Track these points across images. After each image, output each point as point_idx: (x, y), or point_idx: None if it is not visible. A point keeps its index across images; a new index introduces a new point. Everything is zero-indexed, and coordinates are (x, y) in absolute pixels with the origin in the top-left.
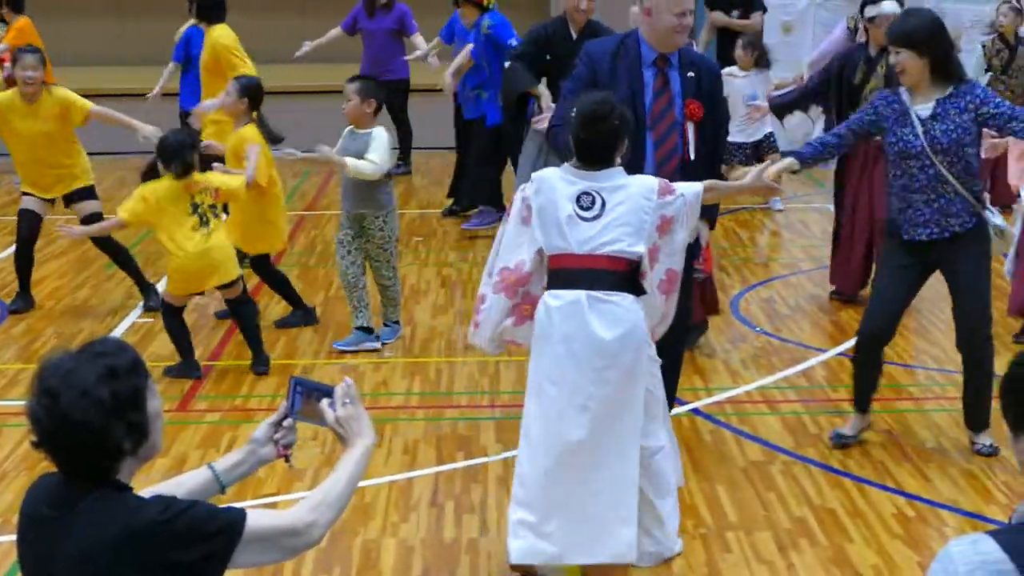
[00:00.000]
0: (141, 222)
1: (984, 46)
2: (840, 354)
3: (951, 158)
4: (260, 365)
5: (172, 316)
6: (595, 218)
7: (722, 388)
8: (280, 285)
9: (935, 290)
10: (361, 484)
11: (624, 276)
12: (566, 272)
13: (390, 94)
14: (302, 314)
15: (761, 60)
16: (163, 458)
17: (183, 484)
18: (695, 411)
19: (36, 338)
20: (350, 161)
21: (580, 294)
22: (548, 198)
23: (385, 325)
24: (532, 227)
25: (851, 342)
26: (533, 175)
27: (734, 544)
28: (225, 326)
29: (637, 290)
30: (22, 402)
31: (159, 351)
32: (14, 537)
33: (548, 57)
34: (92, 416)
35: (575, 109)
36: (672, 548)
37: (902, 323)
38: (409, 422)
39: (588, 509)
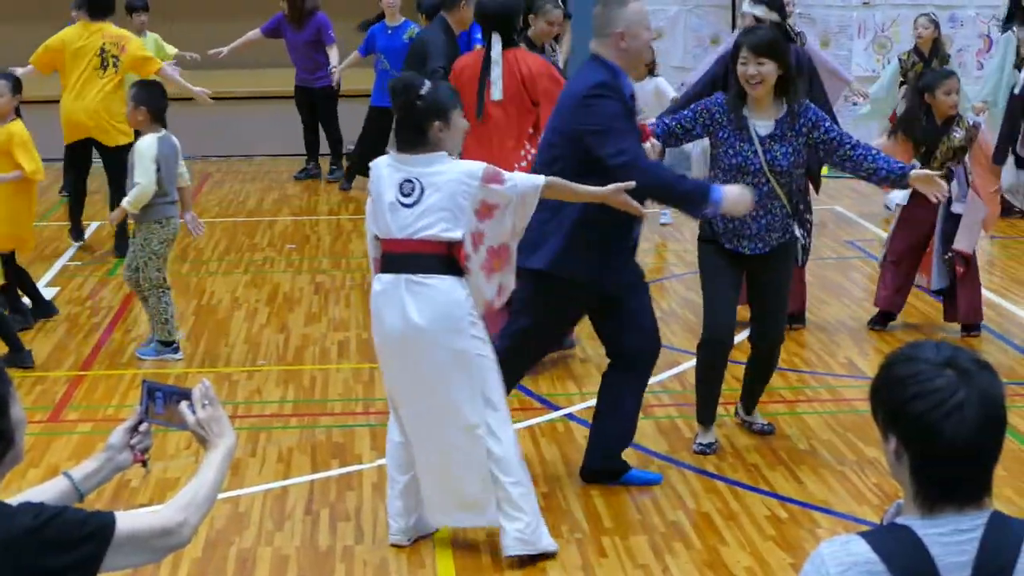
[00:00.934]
0: None
1: (900, 58)
2: None
3: (786, 179)
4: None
5: None
6: (414, 204)
7: (595, 393)
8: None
9: (810, 293)
10: (235, 493)
11: (442, 259)
12: (390, 256)
13: (320, 101)
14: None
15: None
16: (35, 469)
17: (41, 494)
18: (569, 416)
19: None
20: (125, 202)
21: (400, 278)
22: (377, 186)
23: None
24: (367, 213)
25: None
26: (372, 163)
27: (609, 548)
28: (96, 335)
29: (457, 271)
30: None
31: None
32: None
33: None
34: None
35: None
36: (543, 544)
37: None
38: (283, 430)
39: (441, 480)
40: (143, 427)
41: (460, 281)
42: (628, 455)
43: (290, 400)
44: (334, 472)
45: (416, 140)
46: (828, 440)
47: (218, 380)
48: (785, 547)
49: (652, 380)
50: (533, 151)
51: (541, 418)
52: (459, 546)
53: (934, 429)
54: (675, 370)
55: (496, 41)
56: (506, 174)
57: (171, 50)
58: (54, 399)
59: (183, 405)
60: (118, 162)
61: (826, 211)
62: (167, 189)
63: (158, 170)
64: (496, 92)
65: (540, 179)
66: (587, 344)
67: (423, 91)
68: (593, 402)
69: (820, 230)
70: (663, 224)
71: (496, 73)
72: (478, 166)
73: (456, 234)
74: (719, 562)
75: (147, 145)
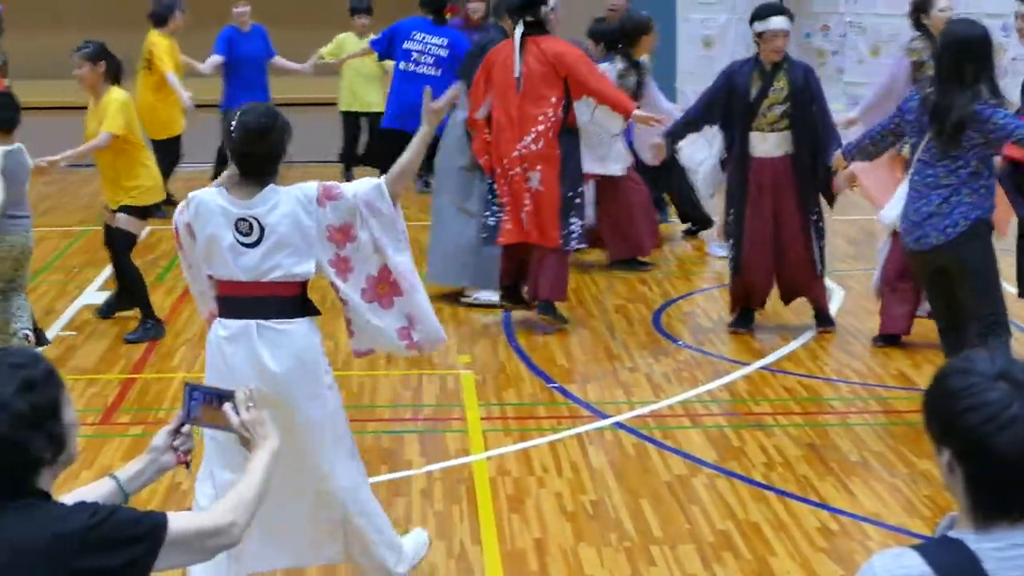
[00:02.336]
0: None
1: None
2: (762, 367)
3: None
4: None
5: None
6: (256, 243)
7: (644, 402)
8: None
9: (859, 304)
10: None
11: (294, 301)
12: (234, 300)
13: None
14: None
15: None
16: (88, 470)
17: (88, 495)
18: (618, 424)
19: None
20: None
21: (250, 323)
22: (208, 225)
23: None
24: (194, 250)
25: (774, 356)
26: (190, 196)
27: (659, 557)
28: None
29: (311, 310)
30: None
31: (81, 364)
32: None
33: None
34: (12, 430)
35: (235, 121)
36: (415, 549)
37: (824, 337)
38: None
39: (289, 526)
40: (186, 429)
41: (313, 324)
42: (678, 464)
43: None
44: (383, 478)
45: (267, 171)
46: (880, 452)
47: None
48: (836, 559)
49: (701, 389)
50: (551, 114)
51: (589, 426)
52: (507, 553)
53: (987, 443)
54: (724, 379)
55: (519, 28)
56: (342, 187)
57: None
58: (106, 401)
59: (226, 407)
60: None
61: (874, 221)
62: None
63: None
64: (516, 70)
65: (376, 180)
66: (635, 353)
67: (274, 133)
68: (642, 410)
69: (870, 239)
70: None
71: (517, 55)
72: (313, 188)
73: (306, 267)
74: (768, 572)
75: None
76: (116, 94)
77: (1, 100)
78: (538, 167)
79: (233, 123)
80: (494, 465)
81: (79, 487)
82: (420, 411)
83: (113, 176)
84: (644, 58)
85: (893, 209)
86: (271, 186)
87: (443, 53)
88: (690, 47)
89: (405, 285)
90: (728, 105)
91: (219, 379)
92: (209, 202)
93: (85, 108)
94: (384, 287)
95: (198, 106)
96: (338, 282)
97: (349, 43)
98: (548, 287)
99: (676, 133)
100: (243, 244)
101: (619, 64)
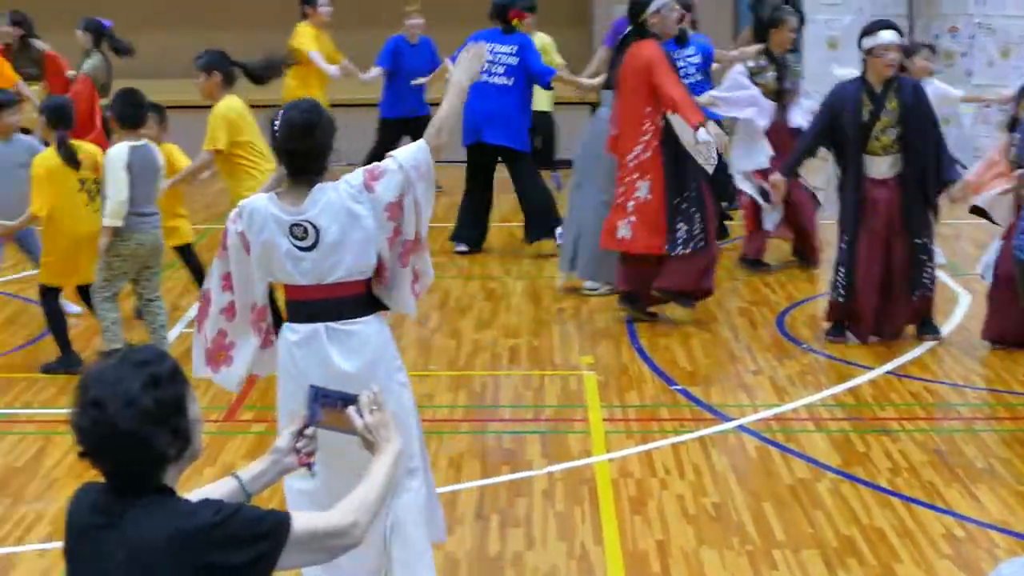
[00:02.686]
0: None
1: None
2: (888, 372)
3: None
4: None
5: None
6: (313, 246)
7: (768, 405)
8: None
9: (985, 309)
10: None
11: (361, 299)
12: (300, 304)
13: None
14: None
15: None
16: (211, 467)
17: (211, 493)
18: (741, 428)
19: (82, 349)
20: (107, 222)
21: (318, 327)
22: (263, 233)
23: None
24: (252, 260)
25: (899, 360)
26: (242, 204)
27: (781, 562)
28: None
29: (378, 306)
30: (69, 410)
31: None
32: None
33: None
34: (138, 425)
35: (278, 120)
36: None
37: (950, 342)
38: (454, 435)
39: None
40: (309, 431)
41: (382, 320)
42: (801, 468)
43: (461, 405)
44: (504, 478)
45: (303, 183)
46: (1007, 459)
47: None
48: (962, 566)
49: (825, 393)
50: (650, 124)
51: (712, 429)
52: (629, 554)
53: None
54: (849, 384)
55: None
56: (385, 162)
57: (558, 59)
58: (229, 399)
59: (350, 410)
60: None
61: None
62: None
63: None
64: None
65: (418, 142)
66: (759, 355)
67: (319, 129)
68: (765, 414)
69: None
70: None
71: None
72: (358, 177)
73: (368, 260)
74: None
75: (113, 156)
76: (219, 107)
77: (127, 97)
78: (648, 176)
79: (276, 121)
80: (616, 467)
81: (203, 485)
82: (542, 411)
83: (230, 184)
84: (787, 55)
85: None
86: (318, 185)
87: (513, 61)
88: (815, 48)
89: (421, 247)
90: (837, 131)
91: (291, 382)
92: (261, 209)
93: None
94: (414, 247)
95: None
96: (389, 257)
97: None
98: (666, 280)
99: (791, 169)
100: (300, 249)
101: (750, 62)
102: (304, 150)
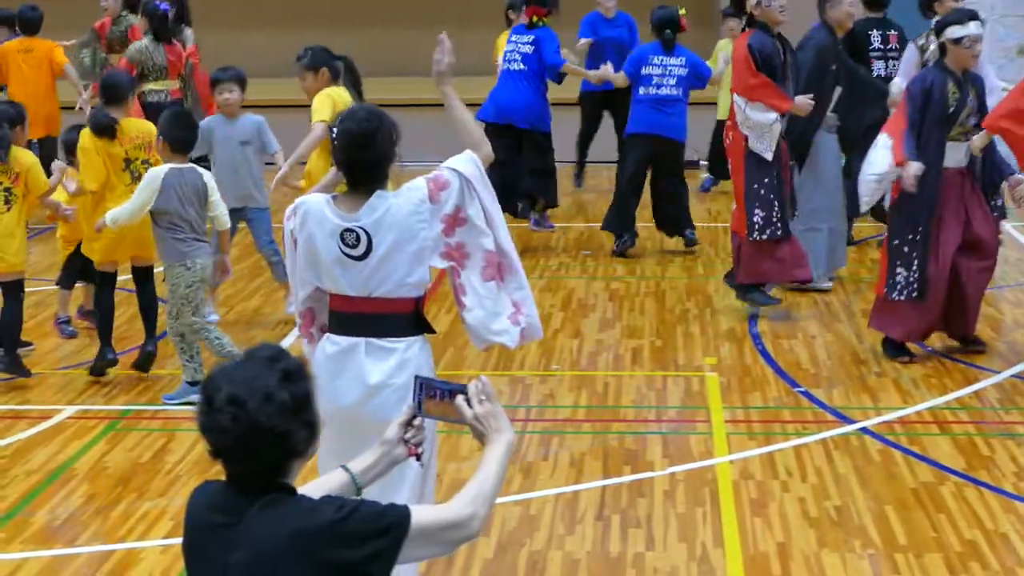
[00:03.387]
0: None
1: None
2: (1014, 376)
3: None
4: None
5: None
6: (364, 255)
7: (891, 408)
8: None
9: None
10: (527, 496)
11: (408, 318)
12: (344, 316)
13: None
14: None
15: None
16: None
17: (321, 488)
18: (864, 430)
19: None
20: (108, 216)
21: (359, 341)
22: (313, 234)
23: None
24: (300, 259)
25: None
26: (298, 202)
27: (903, 565)
28: None
29: (424, 328)
30: (194, 407)
31: None
32: None
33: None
34: (278, 420)
35: (336, 128)
36: None
37: None
38: (575, 435)
39: None
40: (417, 422)
41: (426, 344)
42: (924, 471)
43: (583, 405)
44: (625, 479)
45: (362, 191)
46: None
47: (512, 383)
48: None
49: (949, 396)
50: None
51: (835, 431)
52: (749, 557)
53: None
54: (974, 387)
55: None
56: (443, 171)
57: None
58: None
59: (459, 400)
60: None
61: None
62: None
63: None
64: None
65: (469, 152)
66: (882, 358)
67: (379, 136)
68: (888, 416)
69: None
70: None
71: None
72: (422, 187)
73: (420, 275)
74: None
75: (150, 177)
76: (323, 90)
77: (179, 120)
78: (730, 160)
79: (335, 130)
80: (737, 468)
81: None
82: (664, 412)
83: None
84: None
85: None
86: (378, 193)
87: (683, 72)
88: None
89: (509, 263)
90: (922, 117)
91: (320, 396)
92: (316, 211)
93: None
94: (501, 262)
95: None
96: (457, 272)
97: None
98: (742, 272)
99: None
100: (350, 257)
101: (920, 40)
102: (364, 161)
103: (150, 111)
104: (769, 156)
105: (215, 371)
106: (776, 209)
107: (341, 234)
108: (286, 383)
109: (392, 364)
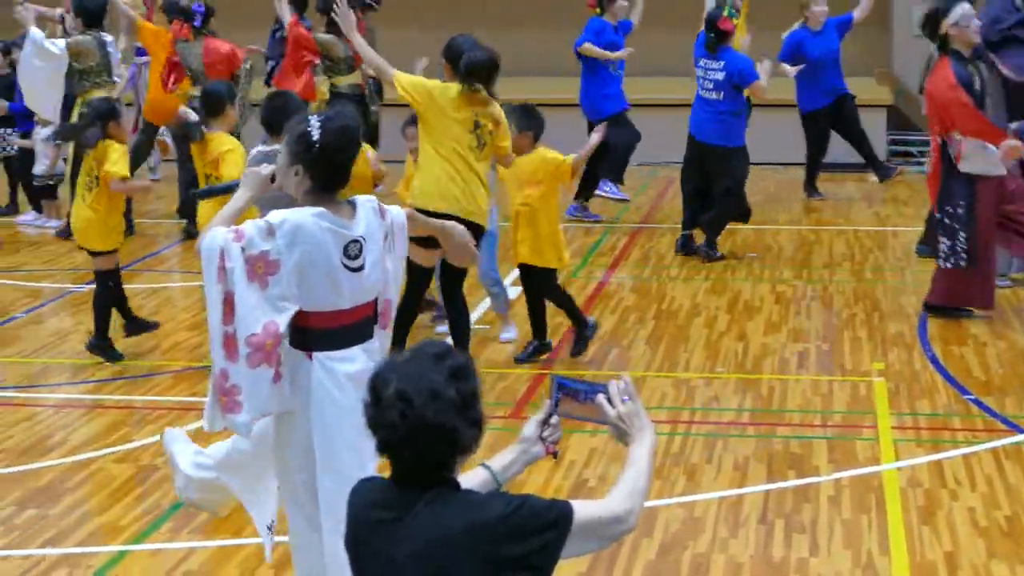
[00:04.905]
0: None
1: None
2: None
3: None
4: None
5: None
6: (361, 268)
7: None
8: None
9: None
10: (691, 498)
11: (374, 316)
12: (337, 332)
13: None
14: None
15: None
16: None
17: (464, 484)
18: None
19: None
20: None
21: (358, 352)
22: (312, 251)
23: None
24: (280, 284)
25: None
26: (281, 219)
27: None
28: (559, 333)
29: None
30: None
31: (493, 357)
32: None
33: None
34: (445, 417)
35: (318, 131)
36: None
37: None
38: (740, 438)
39: None
40: (554, 420)
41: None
42: None
43: (747, 408)
44: (790, 483)
45: (336, 196)
46: None
47: (676, 386)
48: None
49: None
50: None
51: (1006, 440)
52: (916, 565)
53: None
54: None
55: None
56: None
57: None
58: (515, 396)
59: (600, 398)
60: None
61: None
62: None
63: None
64: None
65: (402, 213)
66: None
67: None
68: None
69: None
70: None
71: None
72: (373, 201)
73: (381, 278)
74: None
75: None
76: None
77: (277, 100)
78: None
79: (316, 133)
80: (905, 476)
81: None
82: (830, 417)
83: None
84: None
85: None
86: (359, 200)
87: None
88: None
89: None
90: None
91: (335, 418)
92: (307, 224)
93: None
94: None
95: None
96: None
97: None
98: (932, 292)
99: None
100: (351, 269)
101: None
102: (349, 164)
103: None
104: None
105: (382, 367)
106: (961, 239)
107: (346, 246)
108: (453, 380)
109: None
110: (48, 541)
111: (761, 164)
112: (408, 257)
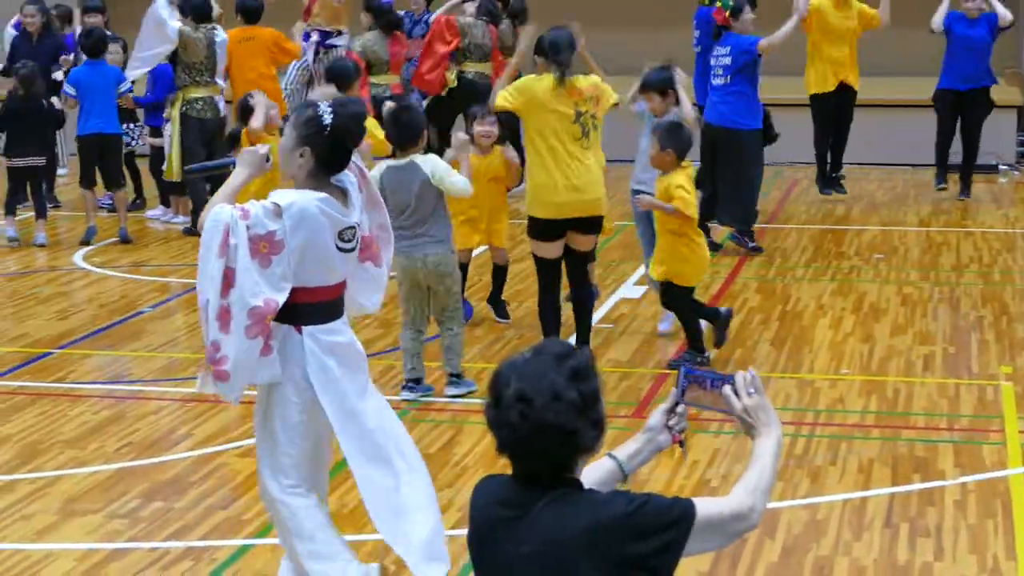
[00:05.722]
0: None
1: None
2: None
3: None
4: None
5: None
6: (352, 249)
7: None
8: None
9: None
10: (814, 500)
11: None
12: (328, 304)
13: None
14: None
15: None
16: None
17: (588, 476)
18: None
19: (498, 339)
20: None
21: (341, 325)
22: (315, 234)
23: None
24: (282, 264)
25: None
26: (289, 203)
27: None
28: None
29: None
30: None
31: (616, 356)
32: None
33: None
34: (566, 418)
35: (330, 115)
36: None
37: None
38: (864, 441)
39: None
40: (680, 409)
41: None
42: None
43: (872, 411)
44: (915, 487)
45: (334, 184)
46: None
47: (800, 387)
48: None
49: None
50: None
51: None
52: None
53: None
54: None
55: None
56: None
57: None
58: (639, 395)
59: (727, 390)
60: None
61: None
62: None
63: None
64: None
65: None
66: None
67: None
68: None
69: None
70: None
71: None
72: (353, 170)
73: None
74: None
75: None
76: None
77: (401, 115)
78: None
79: (328, 117)
80: None
81: None
82: (956, 421)
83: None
84: None
85: None
86: (349, 183)
87: (727, 61)
88: None
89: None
90: None
91: (327, 389)
92: (312, 209)
93: None
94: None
95: None
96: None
97: None
98: None
99: None
100: (344, 250)
101: None
102: (354, 146)
103: (376, 104)
104: None
105: (503, 366)
106: None
107: (343, 232)
108: (574, 381)
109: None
110: (173, 534)
111: (891, 165)
112: (534, 253)
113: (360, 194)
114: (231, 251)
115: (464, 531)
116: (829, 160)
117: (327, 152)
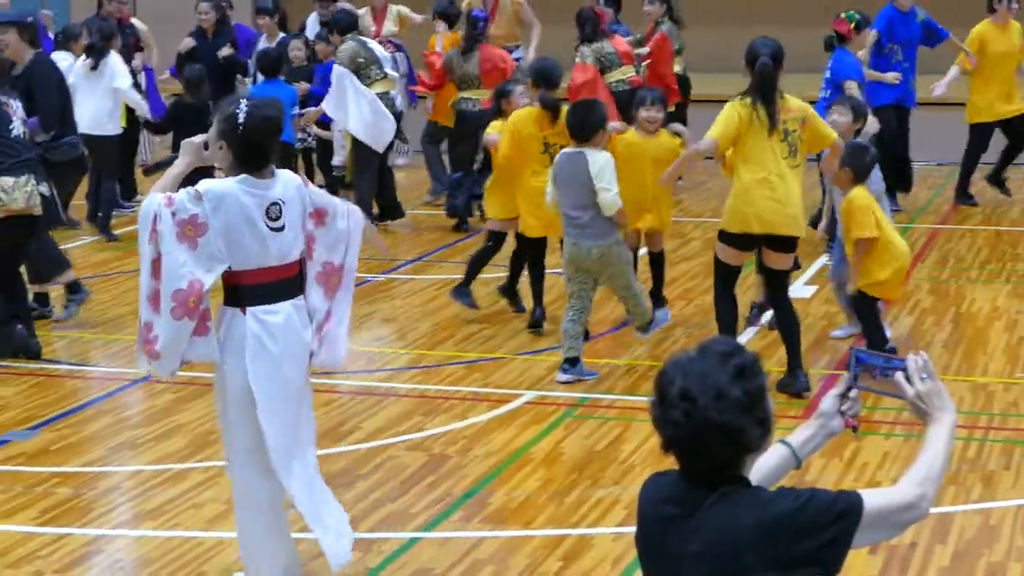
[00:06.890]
0: None
1: None
2: None
3: None
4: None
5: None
6: (283, 228)
7: None
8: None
9: None
10: (987, 505)
11: (300, 277)
12: (267, 287)
13: None
14: None
15: None
16: None
17: (761, 462)
18: None
19: (667, 336)
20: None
21: (286, 305)
22: (236, 214)
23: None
24: (208, 245)
25: None
26: (204, 188)
27: None
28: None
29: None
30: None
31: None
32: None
33: None
34: (730, 416)
35: (244, 113)
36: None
37: None
38: None
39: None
40: (853, 394)
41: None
42: None
43: None
44: None
45: (266, 160)
46: None
47: (973, 390)
48: None
49: None
50: None
51: None
52: None
53: None
54: None
55: None
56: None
57: None
58: (809, 394)
59: (899, 376)
60: None
61: None
62: None
63: None
64: None
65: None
66: None
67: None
68: None
69: None
70: None
71: None
72: (292, 174)
73: (300, 244)
74: None
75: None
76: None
77: (585, 108)
78: None
79: (242, 116)
80: None
81: None
82: None
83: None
84: None
85: None
86: (272, 167)
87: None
88: None
89: (344, 292)
90: None
91: (263, 364)
92: (228, 192)
93: None
94: (333, 280)
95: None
96: (304, 255)
97: None
98: None
99: None
100: (273, 229)
101: None
102: (270, 144)
103: (466, 119)
104: None
105: (668, 364)
106: None
107: (268, 208)
108: (739, 380)
109: (305, 320)
110: None
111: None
112: (717, 256)
113: (300, 188)
114: (159, 237)
115: (631, 528)
116: (997, 162)
117: (241, 149)
